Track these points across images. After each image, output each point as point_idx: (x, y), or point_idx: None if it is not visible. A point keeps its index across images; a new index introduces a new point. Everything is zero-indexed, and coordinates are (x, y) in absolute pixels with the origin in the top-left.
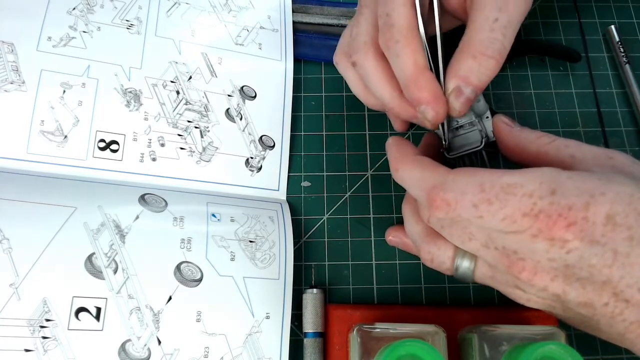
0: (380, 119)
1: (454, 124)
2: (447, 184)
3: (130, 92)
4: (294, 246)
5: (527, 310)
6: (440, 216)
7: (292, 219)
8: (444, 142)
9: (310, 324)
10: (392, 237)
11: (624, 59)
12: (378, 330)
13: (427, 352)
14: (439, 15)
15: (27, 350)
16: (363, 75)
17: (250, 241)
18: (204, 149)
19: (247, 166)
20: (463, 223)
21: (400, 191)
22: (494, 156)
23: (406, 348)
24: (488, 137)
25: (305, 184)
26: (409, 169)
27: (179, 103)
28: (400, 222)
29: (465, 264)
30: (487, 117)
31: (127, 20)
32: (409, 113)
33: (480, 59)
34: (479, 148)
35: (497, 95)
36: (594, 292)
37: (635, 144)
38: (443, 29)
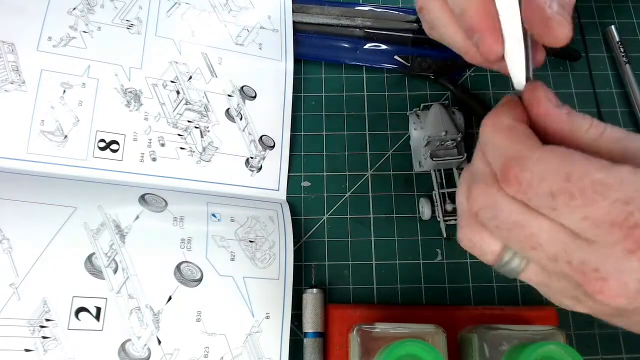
0: (380, 119)
1: (442, 134)
2: (530, 160)
3: (131, 92)
4: (294, 246)
5: (527, 310)
6: (510, 192)
7: (292, 219)
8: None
9: (310, 324)
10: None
11: (624, 59)
12: (378, 330)
13: (427, 352)
14: None
15: (27, 350)
16: (429, 20)
17: (250, 241)
18: (204, 149)
19: (247, 166)
20: (531, 228)
21: (400, 191)
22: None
23: (406, 348)
24: (465, 157)
25: (305, 184)
26: (497, 132)
27: (179, 103)
28: (398, 222)
29: (514, 263)
30: (461, 141)
31: (127, 20)
32: (476, 57)
33: None
34: (460, 159)
35: (497, 95)
36: None
37: None
38: None
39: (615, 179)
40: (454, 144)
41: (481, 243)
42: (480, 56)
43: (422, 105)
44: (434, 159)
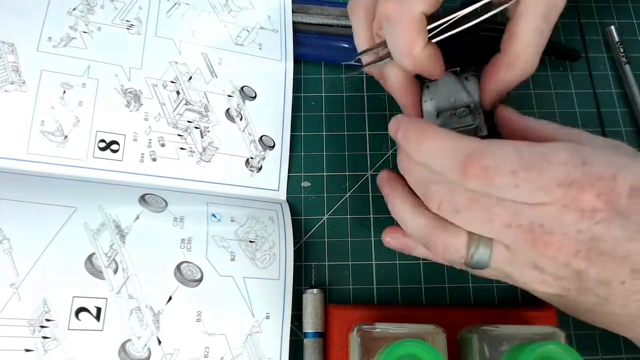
0: (380, 119)
1: (451, 101)
2: (485, 151)
3: (131, 92)
4: (294, 246)
5: (527, 310)
6: (473, 186)
7: (292, 219)
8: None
9: (310, 324)
10: (390, 238)
11: (624, 59)
12: (378, 330)
13: (427, 352)
14: None
15: (27, 350)
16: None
17: (250, 241)
18: (204, 149)
19: (247, 166)
20: (485, 202)
21: None
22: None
23: (406, 348)
24: (482, 129)
25: (305, 184)
26: (439, 140)
27: (179, 103)
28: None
29: (481, 250)
30: (479, 114)
31: (127, 21)
32: None
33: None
34: (472, 127)
35: None
36: (614, 269)
37: (635, 144)
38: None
39: (552, 148)
40: (467, 112)
41: (452, 240)
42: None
43: None
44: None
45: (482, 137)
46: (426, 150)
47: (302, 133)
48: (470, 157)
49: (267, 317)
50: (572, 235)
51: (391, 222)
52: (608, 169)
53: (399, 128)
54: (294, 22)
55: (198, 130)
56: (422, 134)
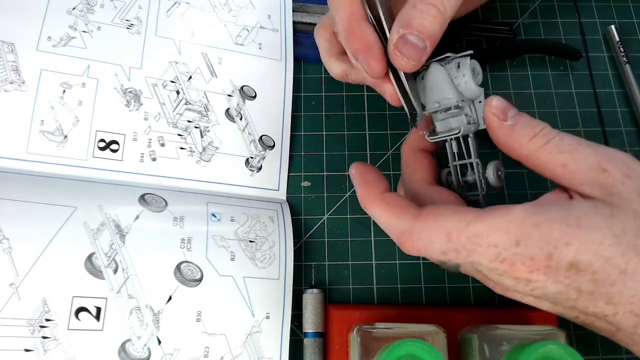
0: (380, 119)
1: (435, 106)
2: (415, 233)
3: (130, 92)
4: (294, 246)
5: (527, 310)
6: (413, 254)
7: (292, 219)
8: (407, 113)
9: (310, 324)
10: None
11: (624, 59)
12: (378, 330)
13: (427, 352)
14: None
15: (27, 350)
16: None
17: (250, 241)
18: (204, 148)
19: (247, 166)
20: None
21: None
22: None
23: (406, 348)
24: (478, 123)
25: (305, 184)
26: (378, 212)
27: (179, 103)
28: None
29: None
30: (480, 102)
31: (127, 20)
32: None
33: (419, 7)
34: (456, 135)
35: (497, 95)
36: (564, 309)
37: (635, 143)
38: None
39: (484, 229)
40: (457, 112)
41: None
42: (367, 74)
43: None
44: (430, 137)
45: (481, 131)
46: (370, 212)
47: (302, 133)
48: (403, 236)
49: (267, 317)
50: (512, 289)
51: None
52: (543, 250)
53: (353, 179)
54: (294, 22)
55: (198, 129)
56: (366, 199)
